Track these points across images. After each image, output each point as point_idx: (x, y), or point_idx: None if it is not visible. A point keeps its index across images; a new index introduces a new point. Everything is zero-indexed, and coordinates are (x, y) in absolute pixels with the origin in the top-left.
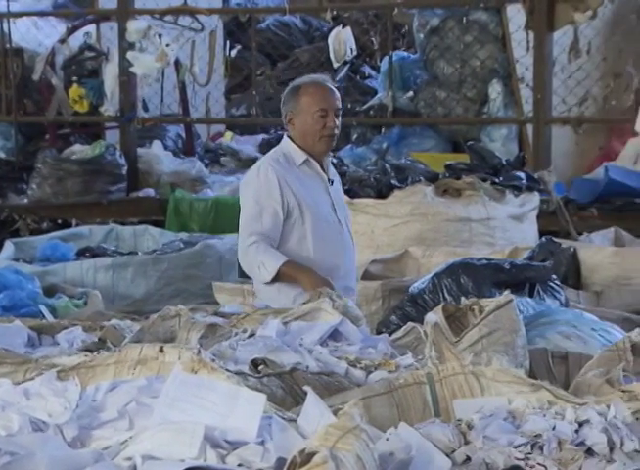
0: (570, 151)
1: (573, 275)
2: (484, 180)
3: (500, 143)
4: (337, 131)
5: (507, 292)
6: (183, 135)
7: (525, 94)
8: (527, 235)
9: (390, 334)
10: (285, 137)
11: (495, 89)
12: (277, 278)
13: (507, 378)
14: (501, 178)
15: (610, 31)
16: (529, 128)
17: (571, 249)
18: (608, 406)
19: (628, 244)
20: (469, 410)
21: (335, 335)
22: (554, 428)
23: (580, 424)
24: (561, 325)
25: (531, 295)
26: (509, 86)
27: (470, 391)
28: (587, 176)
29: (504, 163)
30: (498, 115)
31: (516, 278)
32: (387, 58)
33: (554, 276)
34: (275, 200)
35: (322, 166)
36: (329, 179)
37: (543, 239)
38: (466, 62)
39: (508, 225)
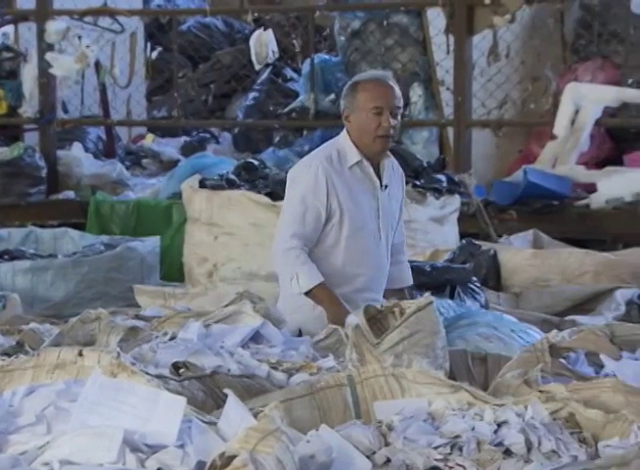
0: (490, 154)
1: (493, 277)
2: (406, 183)
3: (421, 146)
4: (393, 132)
5: (427, 294)
6: (104, 137)
7: (446, 97)
8: (448, 237)
9: (312, 336)
10: (344, 131)
11: (416, 92)
12: (307, 295)
13: (427, 379)
14: (422, 181)
15: (528, 35)
16: (450, 131)
17: (491, 251)
18: (526, 407)
19: (547, 246)
20: (389, 412)
21: (256, 337)
22: (473, 429)
23: (499, 425)
24: (481, 327)
25: (452, 297)
26: (430, 89)
27: (390, 392)
28: (507, 179)
29: (425, 165)
30: (419, 117)
31: (436, 280)
32: (308, 60)
33: (474, 278)
34: (320, 201)
35: (377, 169)
36: (382, 184)
37: (464, 241)
38: (387, 65)
39: (429, 227)
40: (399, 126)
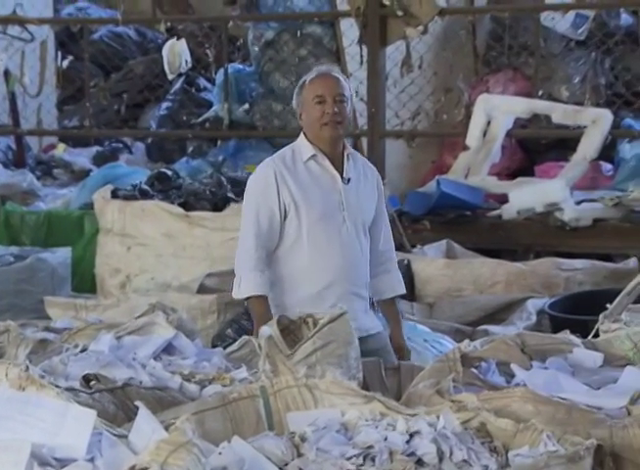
0: (403, 164)
1: (407, 287)
2: None
3: None
4: (339, 118)
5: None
6: (13, 147)
7: (360, 108)
8: None
9: (226, 347)
10: (301, 133)
11: None
12: (246, 303)
13: (340, 390)
14: None
15: (441, 47)
16: (364, 142)
17: (405, 261)
18: (438, 417)
19: (460, 256)
20: (302, 423)
21: (169, 349)
22: (385, 439)
23: (411, 435)
24: None
25: None
26: None
27: (303, 403)
28: (420, 189)
29: None
30: None
31: None
32: (222, 70)
33: None
34: (272, 199)
35: (335, 163)
36: (343, 177)
37: None
38: (301, 75)
39: None
40: (350, 116)
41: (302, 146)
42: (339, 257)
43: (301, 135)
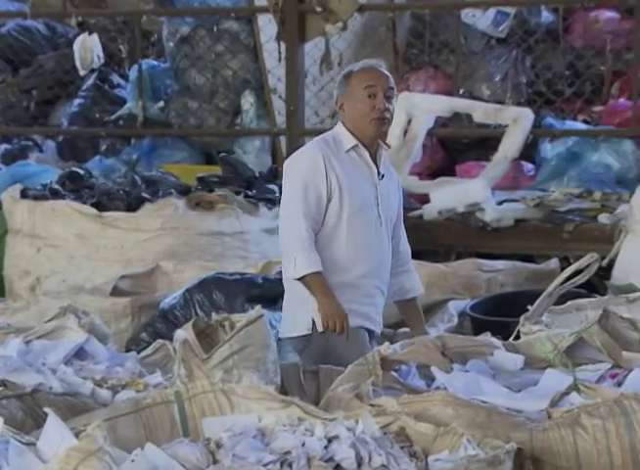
0: None
1: None
2: (237, 193)
3: (253, 155)
4: (388, 115)
5: (258, 307)
6: None
7: (278, 105)
8: None
9: (140, 352)
10: (338, 123)
11: (248, 100)
12: (301, 280)
13: (257, 395)
14: (254, 191)
15: (360, 44)
16: (283, 140)
17: None
18: (357, 421)
19: None
20: (218, 429)
21: (80, 354)
22: (303, 444)
23: (329, 440)
24: None
25: None
26: (261, 97)
27: (219, 409)
28: None
29: (257, 175)
30: (251, 126)
31: (269, 292)
32: (136, 66)
33: None
34: (320, 180)
35: (374, 158)
36: (379, 173)
37: None
38: (217, 72)
39: (261, 239)
40: (393, 112)
41: (343, 135)
42: (374, 248)
43: (339, 125)
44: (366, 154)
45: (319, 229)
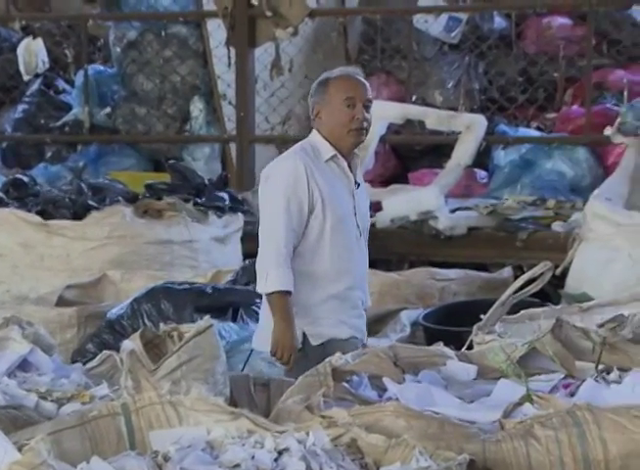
0: None
1: None
2: (186, 201)
3: (203, 162)
4: (366, 124)
5: (207, 317)
6: None
7: (228, 112)
8: (231, 257)
9: (86, 363)
10: (313, 131)
11: (197, 106)
12: (268, 297)
13: (206, 407)
14: (204, 199)
15: (311, 49)
16: (233, 147)
17: None
18: (307, 433)
19: None
20: (166, 441)
21: (24, 365)
22: (253, 457)
23: (280, 452)
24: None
25: (234, 319)
26: (211, 103)
27: (167, 421)
28: None
29: (207, 182)
30: (200, 132)
31: (218, 302)
32: (81, 72)
33: (258, 300)
34: (302, 191)
35: (350, 167)
36: (355, 182)
37: (247, 262)
38: (166, 77)
39: (211, 247)
40: (371, 122)
41: (320, 144)
42: (355, 261)
43: (315, 133)
44: (344, 163)
45: (301, 241)
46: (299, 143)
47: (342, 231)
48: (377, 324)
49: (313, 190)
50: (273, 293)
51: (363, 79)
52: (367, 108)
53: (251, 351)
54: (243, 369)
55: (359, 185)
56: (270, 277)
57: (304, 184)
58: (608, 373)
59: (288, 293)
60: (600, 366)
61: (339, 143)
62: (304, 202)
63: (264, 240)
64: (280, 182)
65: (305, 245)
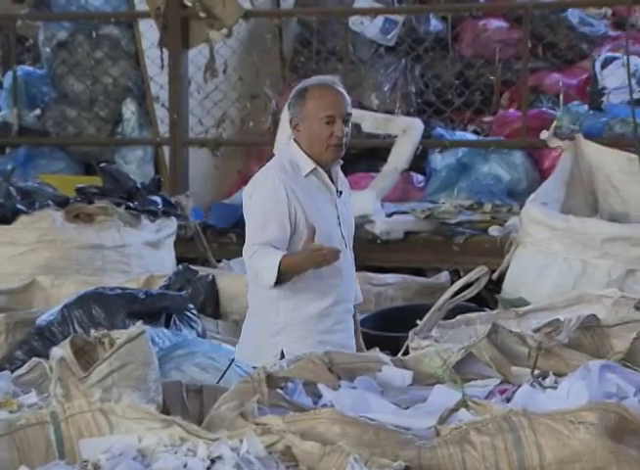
0: (208, 174)
1: (212, 304)
2: (118, 205)
3: (135, 165)
4: (346, 139)
5: (140, 323)
6: None
7: (161, 114)
8: (164, 262)
9: (14, 370)
10: (292, 142)
11: (129, 108)
12: (281, 278)
13: (137, 415)
14: (136, 203)
15: (246, 51)
16: (166, 150)
17: (210, 276)
18: (241, 441)
19: None
20: (96, 450)
21: None
22: (185, 465)
23: (213, 460)
24: (198, 357)
25: (167, 325)
26: (144, 106)
27: (98, 429)
28: (226, 201)
29: (139, 186)
30: (133, 135)
31: (151, 308)
32: (10, 73)
33: (191, 305)
34: (282, 211)
35: (330, 176)
36: (337, 190)
37: (180, 266)
38: (97, 79)
39: (144, 252)
40: (350, 134)
41: (299, 158)
42: (339, 275)
43: (294, 146)
44: (324, 175)
45: None
46: (276, 159)
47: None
48: None
49: (296, 210)
50: (278, 277)
51: (342, 90)
52: (346, 122)
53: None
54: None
55: (341, 193)
56: (265, 272)
57: (285, 206)
58: (544, 378)
59: (283, 256)
60: (536, 371)
61: (317, 156)
62: (285, 221)
63: (247, 261)
64: (259, 204)
65: None
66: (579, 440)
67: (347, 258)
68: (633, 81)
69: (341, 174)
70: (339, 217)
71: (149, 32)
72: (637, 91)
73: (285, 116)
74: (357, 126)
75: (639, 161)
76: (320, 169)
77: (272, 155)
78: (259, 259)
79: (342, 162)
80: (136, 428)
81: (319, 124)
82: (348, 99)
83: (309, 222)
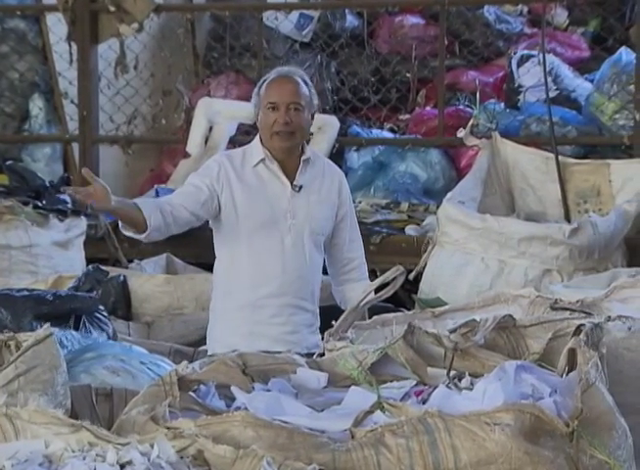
0: (119, 172)
1: (123, 305)
2: (26, 204)
3: (43, 163)
4: (290, 128)
5: (47, 325)
6: None
7: (70, 110)
8: (74, 263)
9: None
10: (257, 135)
11: (37, 104)
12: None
13: (44, 419)
14: (44, 202)
15: (158, 46)
16: (75, 147)
17: (121, 277)
18: (152, 445)
19: (181, 271)
20: (1, 456)
21: None
22: None
23: (122, 465)
24: (108, 360)
25: (77, 327)
26: (52, 102)
27: (3, 435)
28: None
29: (47, 185)
30: (40, 132)
31: (59, 310)
32: None
33: (101, 307)
34: (203, 181)
35: (288, 169)
36: (294, 185)
37: (90, 267)
38: (3, 74)
39: (53, 252)
40: (304, 124)
41: (254, 149)
42: (279, 267)
43: (257, 137)
44: (275, 166)
45: (219, 248)
46: (233, 150)
47: (263, 238)
48: None
49: (223, 192)
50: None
51: (296, 79)
52: (296, 110)
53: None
54: None
55: (301, 187)
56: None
57: (208, 178)
58: (459, 379)
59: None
60: (452, 372)
61: (268, 146)
62: (202, 187)
63: None
64: (195, 172)
65: (223, 253)
66: (495, 441)
67: (296, 253)
68: (549, 79)
69: (328, 174)
70: (290, 212)
71: (56, 26)
72: (553, 89)
73: (197, 114)
74: None
75: (555, 160)
76: (270, 160)
77: (185, 153)
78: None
79: (310, 154)
80: (43, 433)
81: (264, 112)
82: (303, 87)
83: (239, 213)
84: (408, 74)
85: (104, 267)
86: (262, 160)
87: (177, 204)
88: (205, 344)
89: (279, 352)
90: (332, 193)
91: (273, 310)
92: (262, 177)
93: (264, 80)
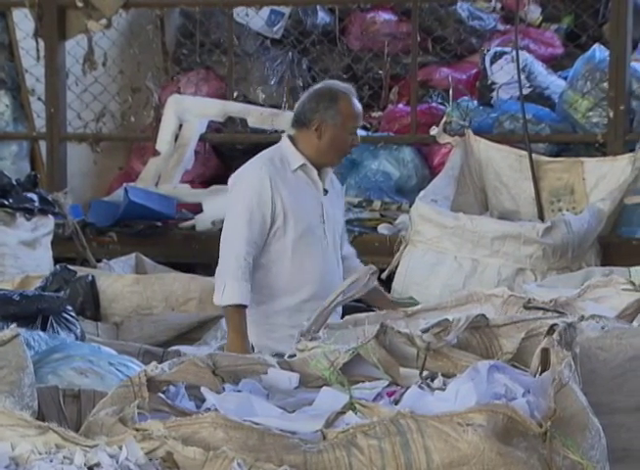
0: (87, 171)
1: (91, 305)
2: None
3: (10, 161)
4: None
5: (14, 326)
6: None
7: (37, 108)
8: (41, 262)
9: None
10: (284, 138)
11: (3, 102)
12: (225, 309)
13: (10, 421)
14: (11, 200)
15: (126, 43)
16: (43, 145)
17: (89, 277)
18: (120, 447)
19: (150, 271)
20: None
21: None
22: None
23: (90, 468)
24: (76, 361)
25: (44, 328)
26: (19, 99)
27: None
28: (106, 198)
29: (14, 183)
30: (7, 130)
31: (26, 310)
32: None
33: (69, 307)
34: (265, 203)
35: (319, 174)
36: (324, 188)
37: (58, 267)
38: None
39: (19, 252)
40: None
41: (290, 154)
42: (319, 270)
43: (287, 143)
44: (314, 172)
45: (263, 253)
46: (266, 152)
47: (305, 243)
48: (197, 331)
49: (276, 202)
50: (229, 306)
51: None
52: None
53: None
54: None
55: (327, 191)
56: (227, 289)
57: (268, 197)
58: (432, 380)
59: (243, 306)
60: (424, 373)
61: (321, 159)
62: (267, 214)
63: (225, 250)
64: (245, 193)
65: (266, 256)
66: (467, 442)
67: (329, 258)
68: (523, 76)
69: (333, 177)
70: (323, 215)
71: (23, 22)
72: (527, 87)
73: (167, 111)
74: (243, 121)
75: (529, 157)
76: (310, 166)
77: (154, 151)
78: (234, 278)
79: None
80: (9, 435)
81: (345, 133)
82: None
83: (288, 218)
84: (380, 71)
85: (72, 267)
86: (302, 165)
87: (252, 252)
88: (175, 344)
89: None
90: (338, 194)
91: (310, 313)
92: (302, 182)
93: (336, 96)
